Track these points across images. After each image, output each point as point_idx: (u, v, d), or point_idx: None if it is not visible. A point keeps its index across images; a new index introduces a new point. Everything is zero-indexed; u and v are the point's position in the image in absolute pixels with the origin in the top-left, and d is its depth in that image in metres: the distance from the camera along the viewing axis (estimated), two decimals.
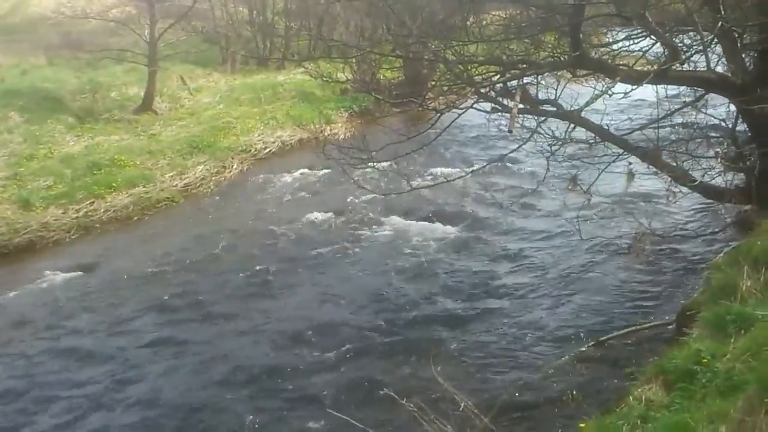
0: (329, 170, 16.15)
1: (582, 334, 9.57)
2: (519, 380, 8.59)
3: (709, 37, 8.61)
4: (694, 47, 10.15)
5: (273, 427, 8.17)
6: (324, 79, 11.50)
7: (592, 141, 10.02)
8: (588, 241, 11.97)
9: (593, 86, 9.17)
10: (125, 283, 12.02)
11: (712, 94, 10.84)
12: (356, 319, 10.49)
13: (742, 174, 10.31)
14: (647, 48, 10.72)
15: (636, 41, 10.75)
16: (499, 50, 10.16)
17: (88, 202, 15.07)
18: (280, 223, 14.35)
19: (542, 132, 9.29)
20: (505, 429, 7.19)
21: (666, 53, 9.04)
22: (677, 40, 9.83)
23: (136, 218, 15.15)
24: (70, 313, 11.06)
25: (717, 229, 11.77)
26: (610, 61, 10.18)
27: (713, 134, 11.05)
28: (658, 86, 9.96)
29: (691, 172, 10.03)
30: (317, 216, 14.62)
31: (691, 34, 10.26)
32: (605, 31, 12.93)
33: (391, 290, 11.35)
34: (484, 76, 10.15)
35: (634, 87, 7.89)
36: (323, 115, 21.70)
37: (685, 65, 9.75)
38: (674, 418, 5.02)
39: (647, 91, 9.79)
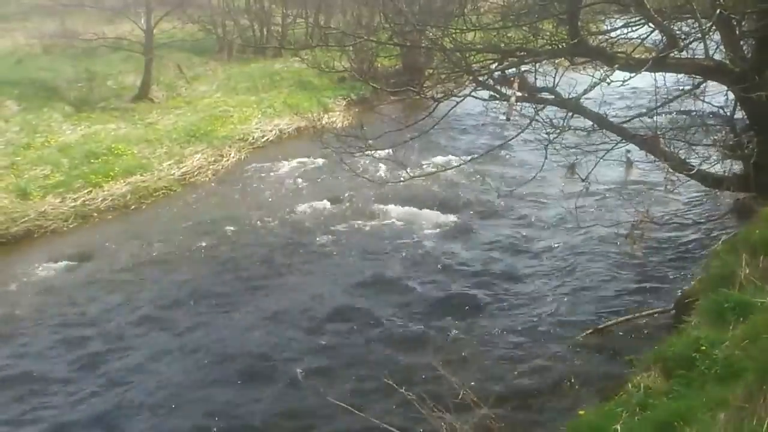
0: (327, 159, 16.12)
1: (581, 322, 9.59)
2: (518, 368, 8.62)
3: (708, 25, 8.57)
4: (693, 35, 10.08)
5: (267, 413, 8.18)
6: (321, 68, 11.47)
7: (590, 129, 9.99)
8: (586, 229, 11.99)
9: (591, 74, 9.09)
10: (123, 272, 12.01)
11: (710, 82, 10.81)
12: (353, 308, 10.47)
13: (741, 161, 10.31)
14: (645, 35, 10.66)
15: (634, 29, 10.70)
16: (497, 38, 10.11)
17: (85, 191, 15.06)
18: (278, 212, 14.34)
19: (540, 120, 9.26)
20: (504, 417, 7.21)
21: (664, 41, 9.00)
22: (675, 28, 9.77)
23: (133, 207, 15.14)
24: (68, 302, 11.04)
25: (715, 217, 11.79)
26: (608, 48, 10.13)
27: (711, 122, 11.04)
28: (657, 74, 9.91)
29: (689, 160, 10.01)
30: (315, 204, 14.62)
31: (689, 21, 10.20)
32: (603, 18, 12.86)
33: (388, 278, 11.34)
34: (482, 64, 10.11)
35: (632, 75, 7.85)
36: (321, 103, 21.71)
37: (684, 53, 9.72)
38: (673, 405, 5.03)
39: (645, 79, 9.74)
